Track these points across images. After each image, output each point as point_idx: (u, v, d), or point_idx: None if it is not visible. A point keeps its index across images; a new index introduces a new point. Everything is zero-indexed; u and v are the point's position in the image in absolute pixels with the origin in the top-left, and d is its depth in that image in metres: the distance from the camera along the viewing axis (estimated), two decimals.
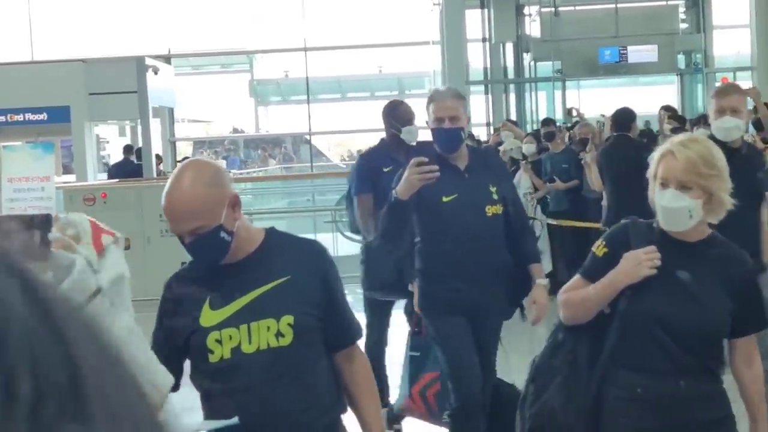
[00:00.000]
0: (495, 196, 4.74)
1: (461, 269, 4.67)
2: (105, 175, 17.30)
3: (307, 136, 24.45)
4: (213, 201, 2.79)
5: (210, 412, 2.90)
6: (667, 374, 3.12)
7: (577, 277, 3.31)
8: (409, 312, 5.59)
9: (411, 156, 4.64)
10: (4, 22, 20.87)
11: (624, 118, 8.95)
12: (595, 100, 20.37)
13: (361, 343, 3.08)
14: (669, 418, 3.14)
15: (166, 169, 17.21)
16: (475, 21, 18.50)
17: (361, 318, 3.19)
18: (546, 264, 8.89)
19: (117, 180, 14.18)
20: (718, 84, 18.90)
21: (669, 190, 3.07)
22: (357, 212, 6.04)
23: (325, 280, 2.94)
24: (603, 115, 11.32)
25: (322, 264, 2.96)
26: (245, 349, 2.83)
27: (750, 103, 6.52)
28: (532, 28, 19.14)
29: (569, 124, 13.14)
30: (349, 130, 28.19)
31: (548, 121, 12.05)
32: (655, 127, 13.05)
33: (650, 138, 10.79)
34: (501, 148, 10.99)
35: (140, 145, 17.55)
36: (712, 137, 4.65)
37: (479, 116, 17.88)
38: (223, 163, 23.60)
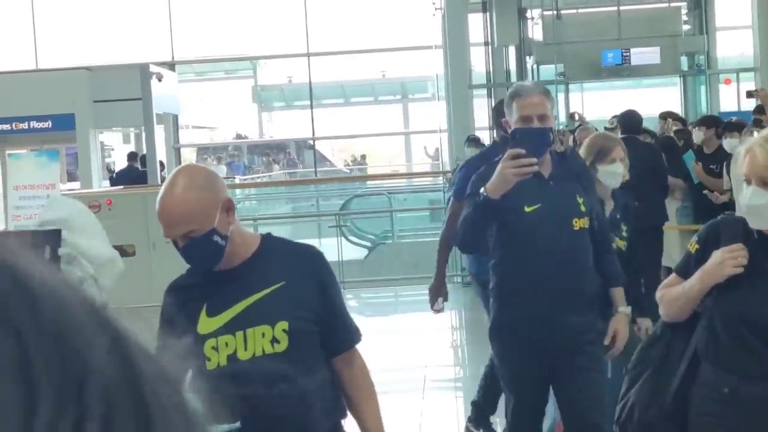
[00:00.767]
0: (582, 208, 4.16)
1: (543, 294, 4.07)
2: (108, 183, 17.34)
3: (311, 141, 24.45)
4: (205, 204, 2.79)
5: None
6: (755, 376, 3.04)
7: (673, 274, 3.29)
8: None
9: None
10: (9, 31, 20.92)
11: (632, 120, 8.98)
12: (599, 103, 20.37)
13: (361, 345, 3.06)
14: (755, 421, 3.06)
15: None
16: (477, 25, 18.48)
17: (360, 322, 3.19)
18: None
19: (122, 187, 14.20)
20: (721, 85, 18.93)
21: (751, 187, 3.03)
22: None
23: (322, 285, 2.92)
24: (611, 122, 11.30)
25: (318, 269, 2.95)
26: (241, 356, 2.83)
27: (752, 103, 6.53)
28: (535, 31, 19.12)
29: (572, 128, 13.13)
30: (353, 135, 28.25)
31: None
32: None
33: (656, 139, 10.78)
34: None
35: (144, 151, 17.59)
36: None
37: (482, 120, 17.88)
38: (222, 169, 23.66)
